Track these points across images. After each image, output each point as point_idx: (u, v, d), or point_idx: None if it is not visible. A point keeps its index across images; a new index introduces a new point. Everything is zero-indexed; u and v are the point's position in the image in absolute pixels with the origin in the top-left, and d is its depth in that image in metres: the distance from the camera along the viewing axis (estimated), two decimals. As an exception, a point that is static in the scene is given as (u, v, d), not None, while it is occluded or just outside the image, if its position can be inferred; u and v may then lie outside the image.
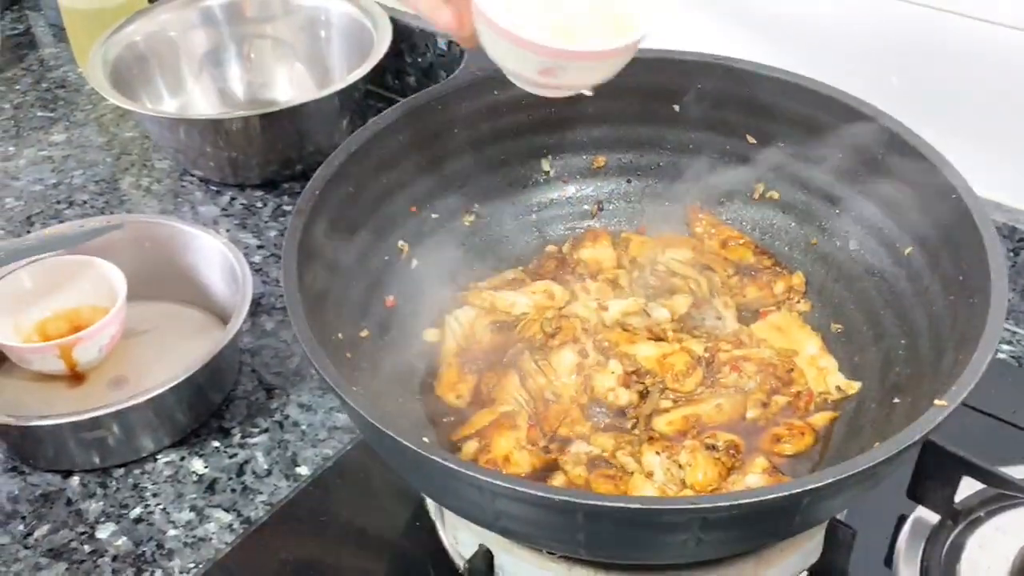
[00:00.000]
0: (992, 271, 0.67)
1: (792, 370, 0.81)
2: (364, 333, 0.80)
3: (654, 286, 0.88)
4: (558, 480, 0.74)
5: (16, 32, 1.53)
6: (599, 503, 0.58)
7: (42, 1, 1.53)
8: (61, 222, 1.12)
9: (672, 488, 0.72)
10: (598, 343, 0.82)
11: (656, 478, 0.72)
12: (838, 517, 0.74)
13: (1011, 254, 0.92)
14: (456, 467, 0.59)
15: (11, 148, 1.29)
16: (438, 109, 0.87)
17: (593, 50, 0.69)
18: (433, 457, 0.59)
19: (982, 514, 0.76)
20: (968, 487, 0.75)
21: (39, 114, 1.36)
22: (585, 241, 0.93)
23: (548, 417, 0.78)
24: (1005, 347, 0.95)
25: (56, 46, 1.49)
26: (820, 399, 0.80)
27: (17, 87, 1.41)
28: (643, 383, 0.80)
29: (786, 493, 0.57)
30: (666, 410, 0.78)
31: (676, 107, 0.90)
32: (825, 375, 0.81)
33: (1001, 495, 0.75)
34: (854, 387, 0.80)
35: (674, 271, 0.89)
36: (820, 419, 0.78)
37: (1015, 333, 0.96)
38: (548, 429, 0.77)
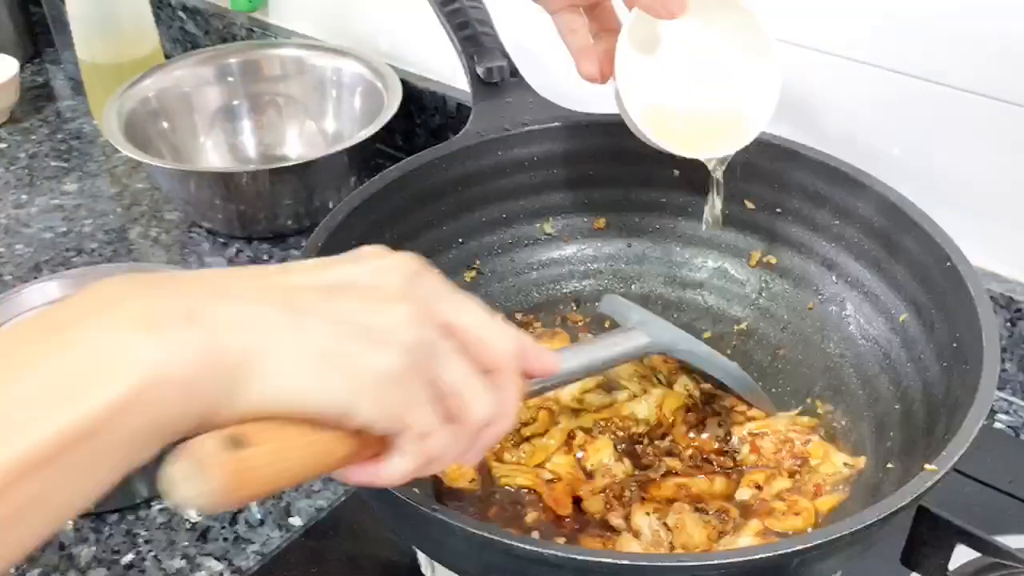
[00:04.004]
0: (984, 337, 0.68)
1: (803, 462, 0.79)
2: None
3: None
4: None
5: (36, 84, 1.56)
6: (588, 558, 0.57)
7: (62, 55, 1.57)
8: (68, 269, 1.13)
9: (660, 549, 0.72)
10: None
11: (644, 537, 0.72)
12: (831, 582, 0.73)
13: (1008, 324, 0.93)
14: (445, 518, 0.59)
15: (24, 196, 1.31)
16: (442, 168, 0.89)
17: (682, 154, 0.79)
18: (422, 508, 0.59)
19: (976, 584, 0.76)
20: (963, 555, 0.74)
21: (53, 164, 1.38)
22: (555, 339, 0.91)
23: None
24: (1003, 417, 0.95)
25: (74, 98, 1.52)
26: (832, 480, 0.77)
27: (33, 137, 1.44)
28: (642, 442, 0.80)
29: (776, 552, 0.57)
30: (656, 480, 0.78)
31: (676, 172, 0.92)
32: (830, 454, 0.79)
33: (996, 564, 0.74)
34: (860, 462, 0.78)
35: None
36: (826, 502, 0.76)
37: (1012, 403, 0.96)
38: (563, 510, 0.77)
